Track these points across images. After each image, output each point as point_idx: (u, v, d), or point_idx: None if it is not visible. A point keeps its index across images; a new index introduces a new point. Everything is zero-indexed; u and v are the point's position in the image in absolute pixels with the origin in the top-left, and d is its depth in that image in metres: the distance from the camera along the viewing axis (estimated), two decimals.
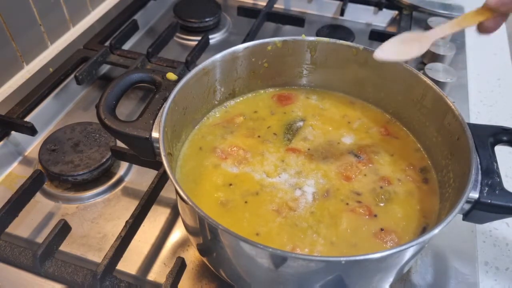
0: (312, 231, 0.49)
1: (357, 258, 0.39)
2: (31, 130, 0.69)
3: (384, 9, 1.04)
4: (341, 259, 0.39)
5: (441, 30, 0.50)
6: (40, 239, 0.60)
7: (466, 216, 0.48)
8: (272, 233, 0.49)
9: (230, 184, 0.54)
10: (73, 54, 0.86)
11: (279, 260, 0.40)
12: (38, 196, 0.66)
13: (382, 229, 0.49)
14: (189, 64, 0.82)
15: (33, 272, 0.56)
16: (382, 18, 1.06)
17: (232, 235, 0.39)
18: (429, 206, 0.52)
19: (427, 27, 0.94)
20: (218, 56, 0.57)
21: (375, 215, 0.51)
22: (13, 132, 0.71)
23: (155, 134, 0.49)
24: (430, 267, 0.58)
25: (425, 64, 0.84)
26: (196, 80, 0.56)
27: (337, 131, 0.61)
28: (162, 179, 0.62)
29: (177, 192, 0.44)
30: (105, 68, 0.90)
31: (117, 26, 0.93)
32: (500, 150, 0.52)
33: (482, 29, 0.49)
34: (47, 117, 0.78)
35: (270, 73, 0.64)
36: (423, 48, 0.50)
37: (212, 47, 0.93)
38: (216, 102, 0.63)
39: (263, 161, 0.57)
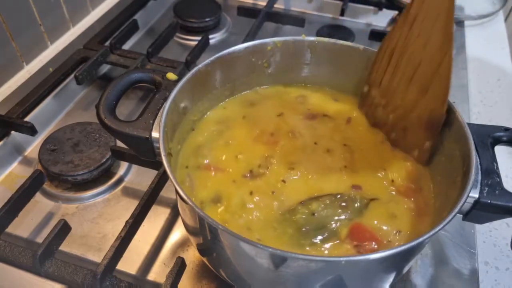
0: None
1: (357, 258, 0.39)
2: (31, 130, 0.69)
3: (384, 9, 1.04)
4: (341, 259, 0.39)
5: None
6: (40, 239, 0.59)
7: (466, 216, 0.48)
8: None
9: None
10: (73, 54, 0.86)
11: (279, 260, 0.40)
12: (38, 196, 0.66)
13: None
14: (189, 64, 0.82)
15: (33, 272, 0.56)
16: (382, 18, 1.06)
17: (232, 235, 0.39)
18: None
19: None
20: (218, 56, 0.57)
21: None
22: (13, 132, 0.71)
23: (155, 134, 0.49)
24: (430, 267, 0.58)
25: None
26: (196, 80, 0.56)
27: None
28: (162, 179, 0.62)
29: (177, 192, 0.44)
30: (105, 68, 0.90)
31: (117, 26, 0.93)
32: (500, 150, 0.52)
33: None
34: (47, 117, 0.78)
35: (270, 73, 0.64)
36: None
37: (212, 47, 0.93)
38: (216, 102, 0.63)
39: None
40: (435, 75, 0.50)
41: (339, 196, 0.50)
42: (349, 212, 0.49)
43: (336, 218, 0.48)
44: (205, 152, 0.56)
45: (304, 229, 0.47)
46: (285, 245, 0.46)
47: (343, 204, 0.50)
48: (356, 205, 0.50)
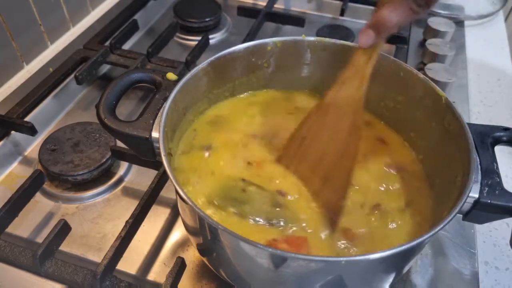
0: None
1: (357, 258, 0.39)
2: (31, 130, 0.69)
3: None
4: (341, 259, 0.39)
5: None
6: (40, 239, 0.60)
7: (466, 216, 0.48)
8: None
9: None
10: (73, 54, 0.86)
11: (279, 260, 0.40)
12: (38, 196, 0.66)
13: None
14: (189, 64, 0.82)
15: (33, 272, 0.56)
16: None
17: (232, 235, 0.39)
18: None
19: (427, 28, 0.94)
20: (218, 56, 0.57)
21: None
22: (13, 132, 0.71)
23: (155, 134, 0.49)
24: (430, 267, 0.58)
25: (425, 64, 0.84)
26: (196, 80, 0.56)
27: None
28: (162, 179, 0.62)
29: (177, 192, 0.44)
30: (105, 68, 0.90)
31: (117, 26, 0.93)
32: (500, 150, 0.52)
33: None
34: (47, 117, 0.78)
35: (270, 73, 0.64)
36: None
37: (212, 47, 0.93)
38: (216, 102, 0.63)
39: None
40: (337, 167, 0.50)
41: (277, 200, 0.51)
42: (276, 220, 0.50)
43: (258, 209, 0.50)
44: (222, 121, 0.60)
45: (231, 195, 0.51)
46: (222, 200, 0.51)
47: (277, 208, 0.50)
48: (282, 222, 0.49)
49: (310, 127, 0.54)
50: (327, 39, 0.60)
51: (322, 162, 0.52)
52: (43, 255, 0.54)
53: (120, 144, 0.61)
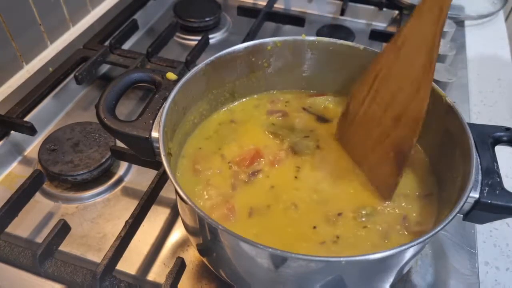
0: None
1: (357, 258, 0.39)
2: (31, 130, 0.69)
3: (384, 9, 1.04)
4: (341, 259, 0.39)
5: None
6: (39, 239, 0.59)
7: (466, 216, 0.48)
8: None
9: None
10: (73, 53, 0.86)
11: (279, 260, 0.40)
12: (38, 196, 0.66)
13: None
14: (189, 64, 0.82)
15: (32, 272, 0.56)
16: (382, 18, 1.05)
17: (232, 235, 0.39)
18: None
19: None
20: (218, 55, 0.57)
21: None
22: (12, 132, 0.71)
23: (155, 134, 0.49)
24: (430, 267, 0.58)
25: None
26: (196, 80, 0.56)
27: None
28: (162, 179, 0.62)
29: (177, 192, 0.44)
30: (105, 68, 0.90)
31: (117, 25, 0.93)
32: (500, 150, 0.52)
33: None
34: (47, 117, 0.78)
35: (270, 73, 0.64)
36: None
37: (212, 47, 0.93)
38: (216, 102, 0.63)
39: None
40: (412, 100, 0.49)
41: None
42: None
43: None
44: None
45: None
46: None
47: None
48: None
49: (382, 66, 0.52)
50: (327, 39, 0.60)
51: (396, 99, 0.50)
52: (43, 255, 0.54)
53: (120, 144, 0.61)
